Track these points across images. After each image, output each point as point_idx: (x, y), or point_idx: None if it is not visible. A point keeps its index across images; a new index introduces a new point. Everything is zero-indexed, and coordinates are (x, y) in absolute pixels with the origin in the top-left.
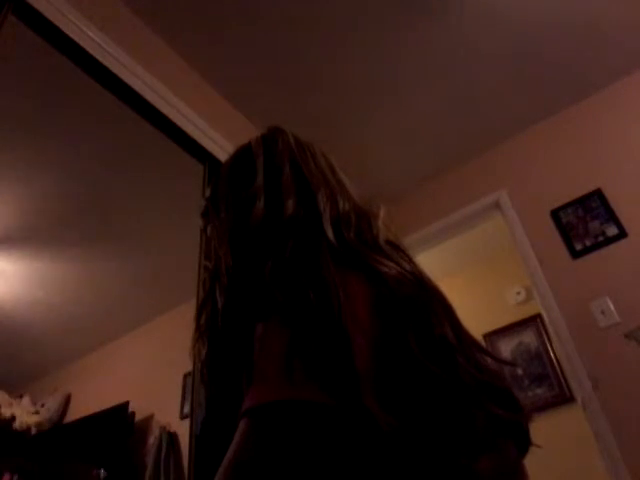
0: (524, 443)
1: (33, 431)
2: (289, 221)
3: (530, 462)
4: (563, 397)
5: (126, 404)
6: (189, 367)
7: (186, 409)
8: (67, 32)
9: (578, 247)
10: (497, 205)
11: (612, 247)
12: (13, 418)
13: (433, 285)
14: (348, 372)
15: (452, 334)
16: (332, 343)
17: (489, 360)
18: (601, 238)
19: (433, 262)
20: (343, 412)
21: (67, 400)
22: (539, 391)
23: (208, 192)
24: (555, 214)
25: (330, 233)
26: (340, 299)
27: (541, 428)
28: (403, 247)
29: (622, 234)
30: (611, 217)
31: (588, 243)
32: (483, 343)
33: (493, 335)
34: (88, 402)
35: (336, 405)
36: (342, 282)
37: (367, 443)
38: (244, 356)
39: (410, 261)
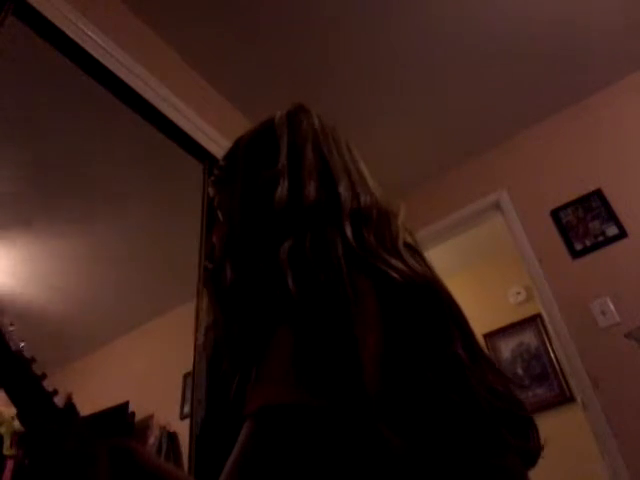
0: (532, 458)
1: None
2: (309, 209)
3: None
4: (563, 397)
5: (126, 404)
6: (189, 367)
7: (186, 409)
8: (67, 32)
9: (578, 247)
10: (497, 205)
11: (612, 247)
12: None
13: (447, 295)
14: (356, 384)
15: (464, 352)
16: (342, 350)
17: (503, 381)
18: (601, 238)
19: (433, 262)
20: (348, 418)
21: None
22: (539, 391)
23: (222, 162)
24: (555, 214)
25: (349, 230)
26: (350, 306)
27: (541, 428)
28: (420, 250)
29: (622, 234)
30: (611, 217)
31: (588, 243)
32: (483, 343)
33: (493, 335)
34: (88, 402)
35: (341, 411)
36: (354, 287)
37: (372, 449)
38: (253, 342)
39: (425, 265)
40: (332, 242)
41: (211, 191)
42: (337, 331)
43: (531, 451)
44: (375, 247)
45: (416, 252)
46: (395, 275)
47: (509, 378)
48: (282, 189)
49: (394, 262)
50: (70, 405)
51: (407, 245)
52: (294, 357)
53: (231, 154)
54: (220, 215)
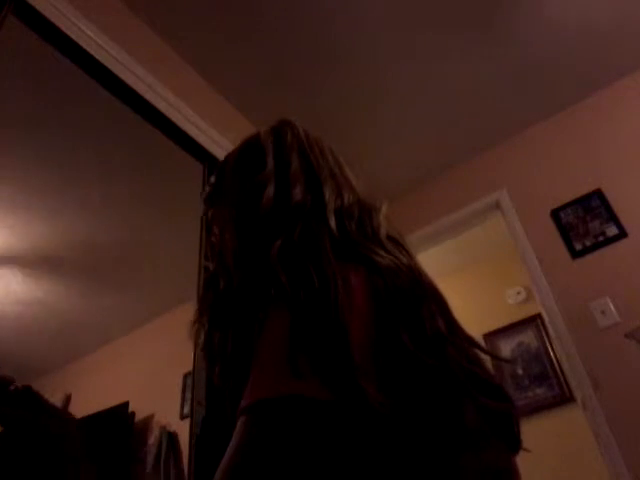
0: (514, 441)
1: None
2: (296, 208)
3: (530, 462)
4: (563, 397)
5: (126, 404)
6: (189, 367)
7: (186, 409)
8: (67, 32)
9: (578, 247)
10: (497, 205)
11: (612, 247)
12: None
13: (428, 280)
14: (345, 361)
15: (444, 327)
16: (330, 333)
17: (483, 355)
18: (601, 238)
19: (433, 262)
20: (341, 406)
21: (67, 400)
22: (539, 391)
23: (213, 178)
24: (555, 214)
25: (333, 223)
26: (338, 290)
27: (541, 428)
28: (404, 243)
29: (622, 234)
30: (611, 217)
31: (588, 243)
32: (482, 342)
33: (493, 335)
34: (88, 402)
35: (335, 399)
36: (341, 273)
37: (364, 438)
38: (246, 340)
39: (409, 256)
40: (319, 234)
41: (203, 208)
42: (328, 321)
43: (503, 415)
44: (357, 236)
45: (399, 245)
46: (379, 260)
47: (488, 351)
48: (269, 191)
49: (377, 250)
50: (27, 389)
51: (391, 237)
52: (286, 348)
53: (220, 171)
54: (215, 229)
